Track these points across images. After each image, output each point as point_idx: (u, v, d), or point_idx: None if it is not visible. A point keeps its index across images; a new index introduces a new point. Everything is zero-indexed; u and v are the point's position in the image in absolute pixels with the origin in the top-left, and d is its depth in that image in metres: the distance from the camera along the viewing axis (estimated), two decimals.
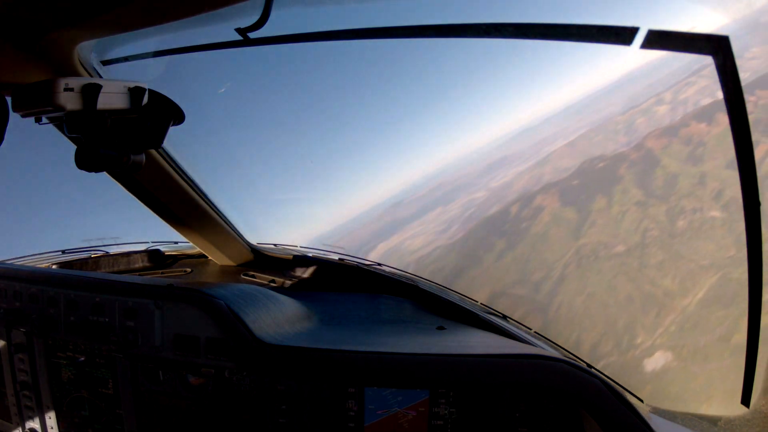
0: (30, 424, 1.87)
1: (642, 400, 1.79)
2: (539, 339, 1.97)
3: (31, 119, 1.21)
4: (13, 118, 1.22)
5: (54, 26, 1.14)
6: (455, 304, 2.12)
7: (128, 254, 2.63)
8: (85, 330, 1.54)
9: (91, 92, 1.13)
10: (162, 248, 2.75)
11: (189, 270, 2.68)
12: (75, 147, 1.24)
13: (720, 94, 1.08)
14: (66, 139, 1.59)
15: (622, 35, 1.08)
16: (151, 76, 1.82)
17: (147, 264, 2.65)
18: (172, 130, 1.39)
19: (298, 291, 2.37)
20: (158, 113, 1.32)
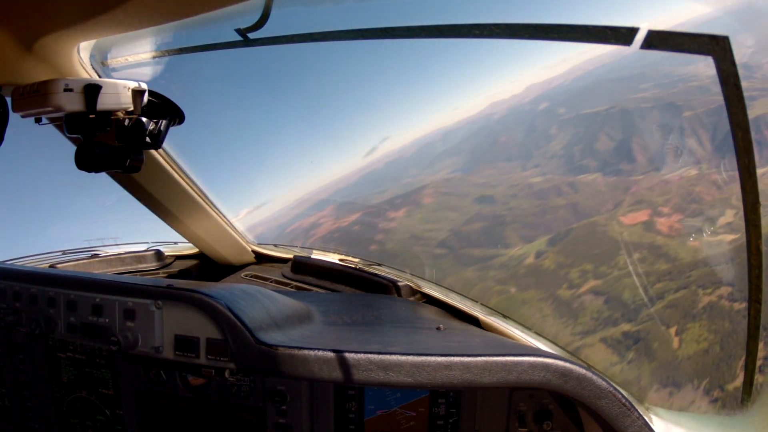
0: (30, 424, 1.87)
1: (642, 401, 1.79)
2: (539, 339, 1.97)
3: (31, 119, 1.22)
4: (13, 118, 1.22)
5: (54, 26, 1.14)
6: (455, 303, 2.12)
7: (128, 254, 2.63)
8: (84, 330, 1.54)
9: (91, 92, 1.13)
10: (162, 248, 2.74)
11: (189, 270, 2.68)
12: (75, 147, 1.24)
13: None
14: (66, 139, 1.59)
15: (621, 35, 1.09)
16: (151, 76, 1.82)
17: (147, 264, 2.65)
18: (172, 130, 1.39)
19: (298, 291, 2.37)
20: (158, 113, 1.32)
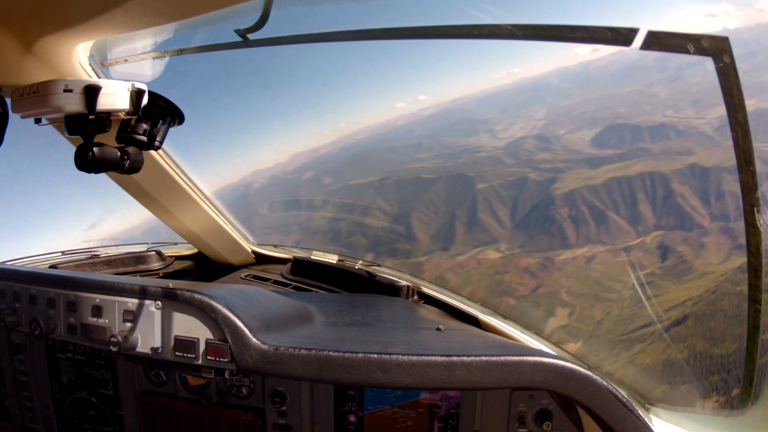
0: (30, 425, 1.87)
1: (642, 401, 1.79)
2: (539, 339, 1.97)
3: (31, 120, 1.21)
4: (13, 118, 1.22)
5: (54, 27, 1.14)
6: (455, 304, 2.12)
7: (128, 255, 2.63)
8: (84, 331, 1.54)
9: (90, 93, 1.13)
10: (162, 249, 2.74)
11: (189, 271, 2.67)
12: (75, 148, 1.24)
13: None
14: (66, 139, 1.59)
15: (621, 36, 1.09)
16: (151, 76, 1.82)
17: (147, 265, 2.65)
18: (172, 131, 1.39)
19: (297, 291, 2.37)
20: (158, 114, 1.32)
